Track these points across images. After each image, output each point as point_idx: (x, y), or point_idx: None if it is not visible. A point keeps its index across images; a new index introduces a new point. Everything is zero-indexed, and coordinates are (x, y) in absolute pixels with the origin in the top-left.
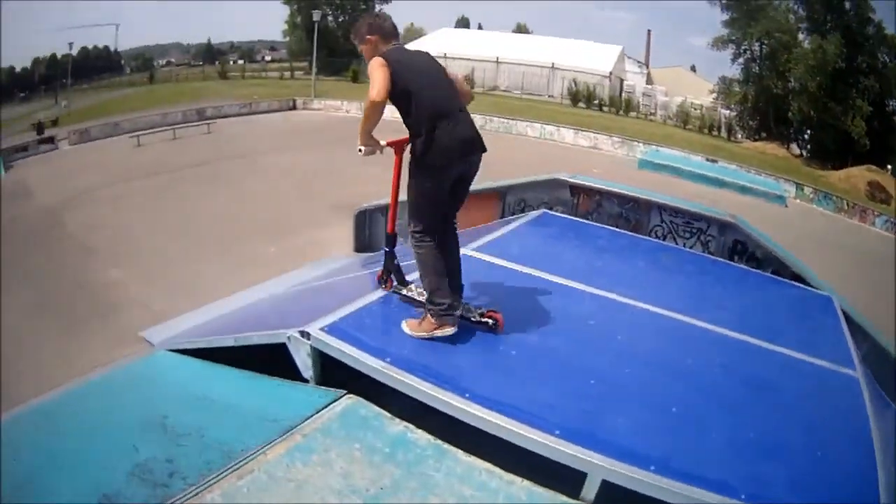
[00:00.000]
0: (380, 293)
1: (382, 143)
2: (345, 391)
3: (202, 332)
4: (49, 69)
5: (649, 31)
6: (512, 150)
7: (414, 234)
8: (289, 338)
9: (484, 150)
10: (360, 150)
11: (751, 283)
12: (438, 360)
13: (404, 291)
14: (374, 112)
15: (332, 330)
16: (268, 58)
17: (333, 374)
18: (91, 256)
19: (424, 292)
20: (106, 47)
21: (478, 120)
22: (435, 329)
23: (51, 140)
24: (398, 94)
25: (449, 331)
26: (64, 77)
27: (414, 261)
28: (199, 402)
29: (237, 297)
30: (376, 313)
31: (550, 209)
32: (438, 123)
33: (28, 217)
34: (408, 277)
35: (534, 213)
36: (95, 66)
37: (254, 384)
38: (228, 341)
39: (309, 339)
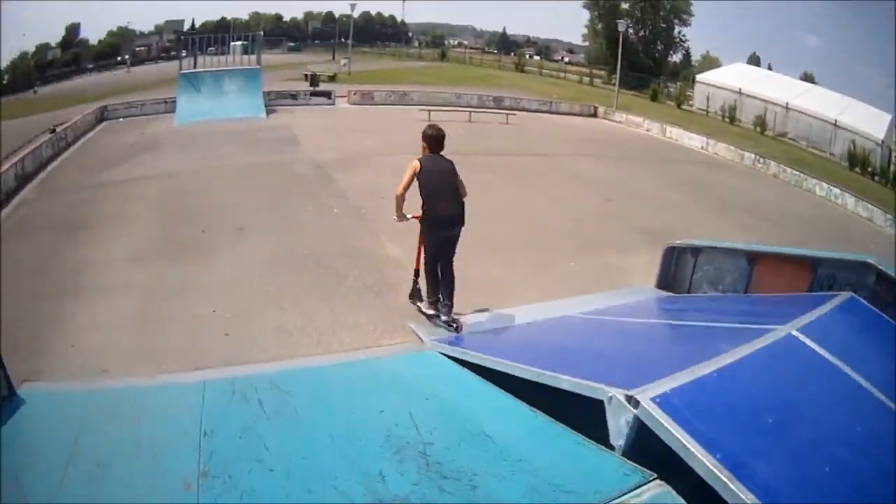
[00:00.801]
0: (712, 364)
1: (409, 216)
2: (655, 475)
3: (482, 342)
4: (325, 25)
5: None
6: (801, 207)
7: (424, 266)
8: (610, 398)
9: (462, 224)
10: (395, 218)
11: None
12: (769, 467)
13: (420, 306)
14: (398, 200)
15: (663, 403)
16: (566, 59)
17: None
18: (365, 226)
19: (427, 297)
20: (392, 16)
21: (772, 167)
22: (427, 308)
23: (327, 95)
24: (420, 185)
25: (430, 310)
26: (343, 36)
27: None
28: (474, 439)
29: (525, 311)
30: (708, 389)
31: (855, 292)
32: (436, 205)
33: (295, 167)
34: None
35: (842, 296)
36: (381, 33)
37: (548, 433)
38: (524, 373)
39: (637, 407)
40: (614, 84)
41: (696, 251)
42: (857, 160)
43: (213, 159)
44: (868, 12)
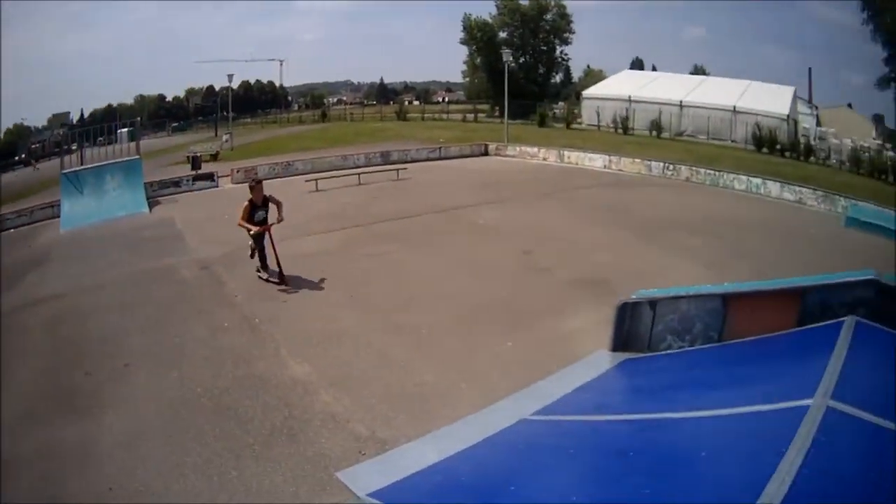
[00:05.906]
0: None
1: (253, 230)
2: None
3: (428, 490)
4: (206, 100)
5: (810, 69)
6: (732, 207)
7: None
8: None
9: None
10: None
11: None
12: None
13: (261, 275)
14: (242, 226)
15: None
16: (445, 99)
17: None
18: (261, 341)
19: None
20: (270, 82)
21: (684, 171)
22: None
23: (210, 177)
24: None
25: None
26: (224, 109)
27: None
28: None
29: (470, 425)
30: None
31: (853, 311)
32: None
33: (180, 272)
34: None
35: (846, 323)
36: (260, 100)
37: None
38: None
39: None
40: (498, 117)
41: (653, 302)
42: (763, 141)
43: (96, 273)
44: None
